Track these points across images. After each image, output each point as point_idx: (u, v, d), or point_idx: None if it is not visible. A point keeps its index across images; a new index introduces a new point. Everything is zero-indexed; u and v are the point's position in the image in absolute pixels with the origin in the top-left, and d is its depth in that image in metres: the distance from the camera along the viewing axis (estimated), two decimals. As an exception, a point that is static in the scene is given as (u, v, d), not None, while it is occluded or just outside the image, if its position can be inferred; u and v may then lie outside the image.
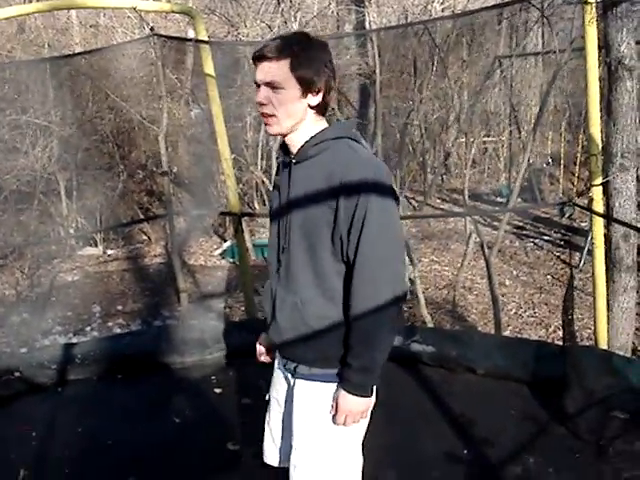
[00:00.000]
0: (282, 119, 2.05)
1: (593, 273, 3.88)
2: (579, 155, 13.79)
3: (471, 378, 2.44)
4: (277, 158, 2.16)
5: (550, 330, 7.21)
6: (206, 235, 11.49)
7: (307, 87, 2.03)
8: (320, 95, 2.06)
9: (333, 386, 2.15)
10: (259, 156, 9.79)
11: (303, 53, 2.01)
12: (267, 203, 10.76)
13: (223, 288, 8.40)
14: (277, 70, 1.99)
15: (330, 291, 2.08)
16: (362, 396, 2.08)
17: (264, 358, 2.54)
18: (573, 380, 3.70)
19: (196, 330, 4.67)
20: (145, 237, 11.84)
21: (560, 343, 6.84)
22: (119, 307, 8.68)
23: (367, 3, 8.13)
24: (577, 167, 13.80)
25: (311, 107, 2.07)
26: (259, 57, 2.04)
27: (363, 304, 2.00)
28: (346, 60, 7.90)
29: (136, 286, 9.53)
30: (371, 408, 2.17)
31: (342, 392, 2.09)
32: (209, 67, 4.45)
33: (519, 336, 7.13)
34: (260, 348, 2.54)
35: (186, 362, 4.47)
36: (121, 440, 3.58)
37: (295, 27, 8.80)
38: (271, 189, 2.43)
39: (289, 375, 2.29)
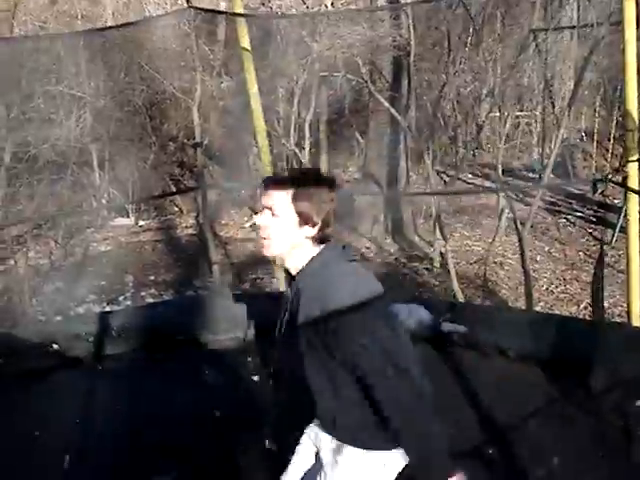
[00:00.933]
0: (275, 243, 2.14)
1: (627, 250, 3.85)
2: (613, 131, 13.61)
3: (501, 359, 2.44)
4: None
5: (581, 307, 7.20)
6: (237, 207, 11.53)
7: (304, 219, 2.11)
8: (317, 228, 2.13)
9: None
10: (291, 129, 9.77)
11: (305, 189, 2.12)
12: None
13: (254, 260, 8.45)
14: (278, 199, 2.10)
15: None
16: None
17: None
18: (599, 356, 3.68)
19: (228, 306, 4.69)
20: (176, 208, 11.93)
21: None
22: (151, 277, 8.81)
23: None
24: (611, 143, 13.63)
25: (307, 237, 2.14)
26: (266, 184, 2.16)
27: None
28: (380, 32, 7.83)
29: (168, 257, 9.64)
30: None
31: None
32: (245, 41, 4.45)
33: (549, 312, 7.12)
34: None
35: (218, 338, 4.50)
36: (154, 420, 3.63)
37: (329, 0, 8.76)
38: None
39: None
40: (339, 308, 2.04)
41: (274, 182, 2.18)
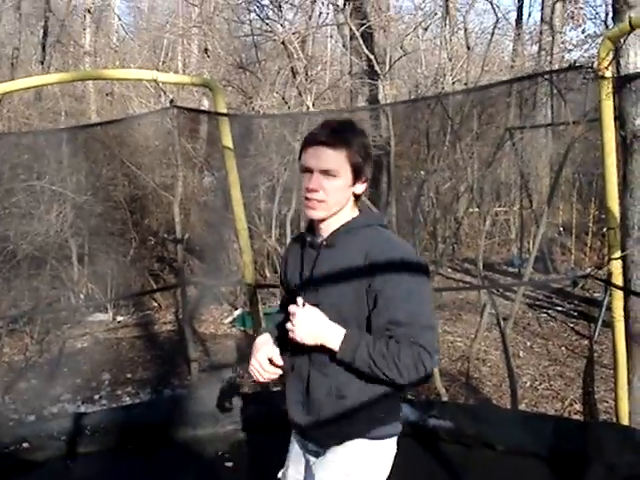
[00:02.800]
0: (331, 205, 2.09)
1: (614, 347, 3.81)
2: (590, 225, 13.79)
3: (489, 454, 2.36)
4: (295, 237, 2.16)
5: (566, 403, 7.08)
6: (216, 303, 11.43)
7: (358, 176, 2.08)
8: (366, 184, 2.13)
9: (371, 445, 2.15)
10: (273, 225, 9.80)
11: (357, 141, 2.07)
12: (279, 272, 10.72)
13: (234, 357, 8.32)
14: (334, 157, 2.03)
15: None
16: (327, 344, 2.05)
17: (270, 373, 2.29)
18: (594, 457, 3.61)
19: (207, 402, 4.59)
20: (155, 304, 11.78)
21: (578, 417, 6.73)
22: (129, 375, 8.59)
23: (382, 77, 8.24)
24: (589, 237, 13.78)
25: (354, 195, 2.13)
26: (315, 142, 2.07)
27: (393, 364, 1.98)
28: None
29: (146, 354, 9.45)
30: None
31: (335, 327, 2.04)
32: (227, 140, 4.49)
33: (535, 410, 7.00)
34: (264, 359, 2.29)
35: (197, 435, 4.38)
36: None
37: (310, 99, 8.92)
38: (284, 268, 2.41)
39: (312, 456, 2.25)
40: (395, 262, 2.02)
41: (325, 140, 2.05)
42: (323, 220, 2.14)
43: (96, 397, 7.84)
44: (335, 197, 2.07)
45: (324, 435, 2.18)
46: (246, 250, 4.79)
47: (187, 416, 4.47)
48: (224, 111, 4.43)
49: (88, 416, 4.67)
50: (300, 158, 2.14)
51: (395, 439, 2.22)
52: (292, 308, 2.07)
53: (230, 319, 10.79)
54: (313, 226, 2.22)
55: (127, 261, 11.02)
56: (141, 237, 11.74)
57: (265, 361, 2.23)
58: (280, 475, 2.45)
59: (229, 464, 4.11)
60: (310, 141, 2.08)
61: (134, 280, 11.45)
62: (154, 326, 10.99)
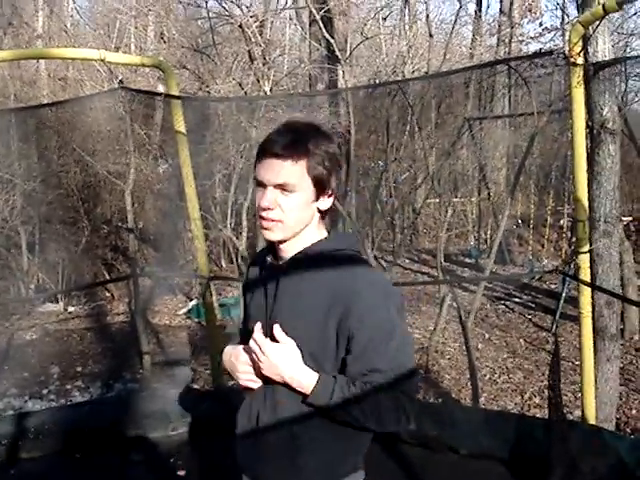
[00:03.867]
0: (289, 225, 1.82)
1: (580, 344, 3.71)
2: (548, 217, 13.88)
3: (452, 458, 2.23)
4: (253, 259, 1.94)
5: (526, 397, 7.03)
6: (171, 294, 11.21)
7: (321, 189, 1.82)
8: (332, 198, 1.86)
9: None
10: (229, 214, 9.60)
11: (320, 149, 1.79)
12: (234, 262, 10.55)
13: (188, 351, 8.11)
14: (291, 170, 1.77)
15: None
16: (297, 387, 1.81)
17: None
18: (558, 457, 3.51)
19: (159, 400, 4.39)
20: (108, 294, 11.54)
21: (537, 411, 6.68)
22: (79, 368, 8.34)
23: (342, 62, 8.08)
24: (546, 229, 13.86)
25: (319, 211, 1.87)
26: (269, 152, 1.79)
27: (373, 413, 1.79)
28: (319, 119, 7.80)
29: (97, 346, 9.19)
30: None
31: (308, 370, 1.81)
32: (180, 124, 4.28)
33: (494, 403, 6.95)
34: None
35: (149, 438, 4.18)
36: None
37: (267, 85, 8.72)
38: (244, 294, 2.14)
39: None
40: (370, 306, 1.75)
41: (280, 151, 1.77)
42: (283, 241, 1.89)
43: (44, 392, 7.57)
44: (294, 216, 1.81)
45: None
46: (200, 240, 4.59)
47: (137, 416, 4.29)
48: (176, 94, 4.22)
49: (32, 416, 4.43)
50: (255, 166, 1.86)
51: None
52: (260, 339, 1.83)
53: (185, 310, 10.59)
54: (273, 246, 1.95)
55: (79, 250, 10.79)
56: (93, 226, 11.47)
57: (250, 369, 1.94)
58: None
59: (182, 473, 3.90)
60: (264, 151, 1.82)
61: (86, 269, 11.22)
62: (106, 317, 10.74)
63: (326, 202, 1.85)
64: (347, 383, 1.77)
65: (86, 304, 11.27)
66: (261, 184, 1.82)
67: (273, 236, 1.84)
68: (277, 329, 1.82)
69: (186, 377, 6.88)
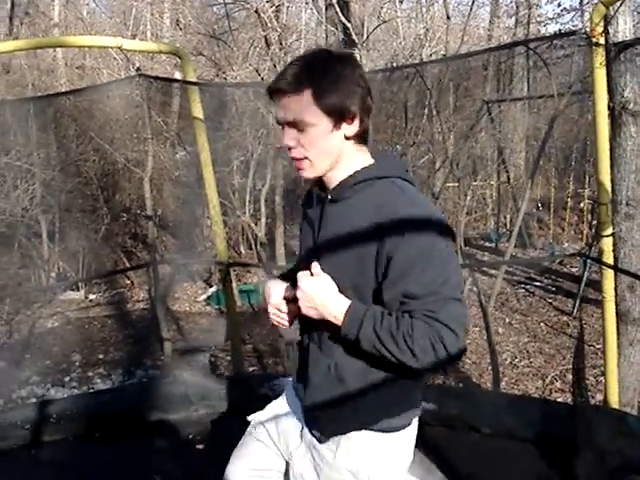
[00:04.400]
0: (316, 161, 1.76)
1: (603, 329, 3.67)
2: (568, 200, 13.77)
3: (474, 437, 2.21)
4: (305, 192, 1.89)
5: (547, 381, 7.00)
6: (191, 280, 11.25)
7: (339, 117, 1.73)
8: (357, 121, 1.75)
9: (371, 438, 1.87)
10: (247, 201, 9.59)
11: (326, 77, 1.70)
12: (253, 248, 10.55)
13: (208, 337, 8.14)
14: (299, 105, 1.70)
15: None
16: (334, 320, 1.75)
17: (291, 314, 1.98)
18: (583, 441, 3.48)
19: (180, 384, 4.41)
20: (128, 281, 11.60)
21: (559, 395, 6.65)
22: (100, 356, 8.40)
23: (359, 46, 8.02)
24: (566, 212, 13.76)
25: (348, 138, 1.77)
26: (275, 91, 1.74)
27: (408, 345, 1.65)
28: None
29: (118, 333, 9.26)
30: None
31: (341, 298, 1.75)
32: (197, 110, 4.27)
33: (515, 388, 6.92)
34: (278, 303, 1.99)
35: (169, 420, 4.19)
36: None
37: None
38: (299, 227, 2.09)
39: (313, 437, 1.96)
40: (411, 223, 1.66)
41: (284, 87, 1.70)
42: (323, 176, 1.83)
43: (66, 379, 7.64)
44: (317, 150, 1.74)
45: (322, 420, 1.90)
46: (218, 226, 4.58)
47: (158, 400, 4.29)
48: (193, 80, 4.20)
49: (54, 403, 4.46)
50: None
51: (411, 429, 1.94)
52: (300, 274, 1.80)
53: (204, 297, 10.63)
54: (319, 180, 1.89)
55: (99, 238, 10.84)
56: (113, 214, 11.53)
57: (281, 303, 1.93)
58: (252, 418, 2.22)
59: (201, 450, 3.92)
60: (272, 91, 1.75)
61: (106, 257, 11.28)
62: (127, 304, 10.81)
63: (351, 128, 1.76)
64: (381, 313, 1.70)
65: (106, 292, 11.34)
66: (279, 123, 1.79)
67: (305, 174, 1.81)
68: (315, 266, 1.79)
69: (206, 363, 6.93)
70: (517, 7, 17.73)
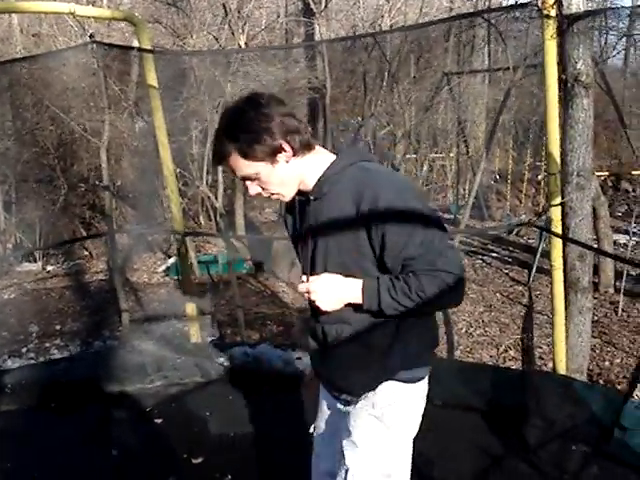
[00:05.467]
0: (282, 190, 1.99)
1: (552, 296, 3.74)
2: (526, 172, 13.91)
3: (428, 408, 2.25)
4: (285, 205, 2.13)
5: (501, 350, 7.13)
6: (150, 251, 11.19)
7: (271, 155, 1.90)
8: (287, 147, 1.91)
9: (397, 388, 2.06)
10: (204, 170, 9.54)
11: (238, 135, 1.88)
12: (213, 218, 10.52)
13: (166, 307, 8.13)
14: (237, 166, 1.92)
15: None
16: (354, 300, 1.95)
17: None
18: (532, 408, 3.56)
19: (135, 355, 4.41)
20: (86, 252, 11.50)
21: (512, 363, 6.78)
22: (57, 327, 8.36)
23: (317, 15, 7.96)
24: (524, 184, 13.91)
25: (297, 154, 1.95)
26: (215, 164, 2.04)
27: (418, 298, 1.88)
28: (295, 74, 7.73)
29: (76, 305, 9.20)
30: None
31: (351, 283, 1.95)
32: (152, 77, 4.22)
33: (470, 356, 7.04)
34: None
35: (126, 391, 4.20)
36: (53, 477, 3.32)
37: (242, 39, 8.60)
38: (285, 228, 2.27)
39: (343, 405, 2.14)
40: (386, 201, 1.86)
41: (217, 160, 1.95)
42: (297, 193, 2.03)
43: (23, 350, 7.60)
44: (277, 183, 1.96)
45: (353, 388, 2.08)
46: (174, 196, 4.56)
47: (115, 371, 4.29)
48: (148, 47, 4.15)
49: (9, 373, 4.44)
50: None
51: (425, 382, 2.13)
52: (301, 287, 2.00)
53: (164, 267, 10.59)
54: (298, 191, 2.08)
55: (56, 209, 10.71)
56: (70, 184, 11.37)
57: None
58: (312, 429, 2.37)
59: (158, 421, 3.94)
60: (214, 164, 2.16)
61: (64, 228, 11.16)
62: (85, 276, 10.73)
63: (287, 154, 1.92)
64: (390, 280, 1.90)
65: (64, 263, 11.23)
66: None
67: (286, 199, 2.04)
68: (308, 279, 2.00)
69: (164, 333, 6.92)
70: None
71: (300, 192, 2.04)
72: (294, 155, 1.93)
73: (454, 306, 2.00)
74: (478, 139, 13.99)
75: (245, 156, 1.88)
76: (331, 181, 1.96)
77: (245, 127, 1.88)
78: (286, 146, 1.90)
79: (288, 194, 2.00)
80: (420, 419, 2.15)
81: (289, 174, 1.95)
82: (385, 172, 2.04)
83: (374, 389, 2.05)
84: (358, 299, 1.94)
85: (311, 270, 2.04)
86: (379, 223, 1.87)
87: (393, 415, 2.08)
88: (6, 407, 4.03)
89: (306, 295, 1.99)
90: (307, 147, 1.97)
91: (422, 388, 2.12)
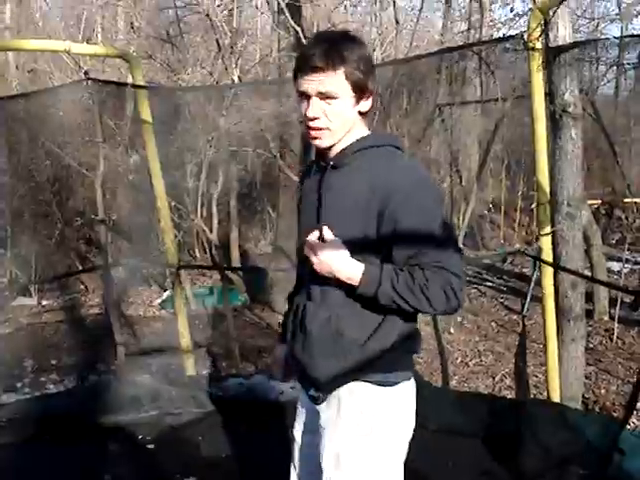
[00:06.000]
0: (336, 131, 1.94)
1: (544, 324, 3.78)
2: (519, 201, 14.00)
3: (423, 434, 2.26)
4: (307, 164, 2.04)
5: (497, 379, 7.13)
6: (145, 284, 11.19)
7: (361, 93, 1.92)
8: (371, 99, 1.96)
9: (375, 392, 2.01)
10: (199, 203, 9.58)
11: (355, 55, 1.89)
12: (208, 251, 10.55)
13: (161, 340, 8.12)
14: (331, 79, 1.87)
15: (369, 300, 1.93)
16: (350, 282, 1.91)
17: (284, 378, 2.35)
18: (527, 436, 3.58)
19: (130, 388, 4.42)
20: (82, 286, 11.49)
21: (508, 392, 6.77)
22: (53, 361, 8.32)
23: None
24: (517, 213, 13.98)
25: (361, 113, 1.97)
26: (307, 67, 1.89)
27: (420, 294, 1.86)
28: (288, 107, 7.80)
29: (71, 339, 9.17)
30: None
31: (354, 262, 1.91)
32: (145, 113, 4.30)
33: (466, 386, 7.03)
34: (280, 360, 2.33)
35: (120, 422, 4.20)
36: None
37: (236, 74, 8.70)
38: (297, 196, 2.28)
39: (314, 402, 2.09)
40: (406, 187, 1.85)
41: (317, 63, 1.86)
42: (331, 146, 1.99)
43: (19, 385, 7.56)
44: (339, 121, 1.92)
45: (321, 374, 2.01)
46: (167, 229, 4.61)
47: (109, 403, 4.30)
48: (141, 83, 4.22)
49: (4, 407, 4.44)
50: (295, 80, 1.96)
51: (410, 386, 2.10)
52: (311, 240, 1.96)
53: (159, 301, 10.59)
54: (321, 152, 2.05)
55: (52, 243, 10.72)
56: (66, 218, 11.40)
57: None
58: (293, 433, 2.33)
59: (151, 447, 3.95)
60: (302, 65, 1.90)
61: (60, 263, 11.16)
62: (80, 310, 10.71)
63: (366, 104, 1.96)
64: (394, 270, 1.87)
65: (60, 297, 11.20)
66: (304, 95, 1.92)
67: (323, 143, 1.96)
68: (325, 230, 1.93)
69: (159, 366, 6.91)
70: (470, 11, 17.92)
71: (322, 156, 2.04)
72: (365, 112, 1.97)
73: (449, 313, 1.94)
74: (471, 170, 14.06)
75: (351, 77, 1.87)
76: (355, 154, 1.95)
77: (360, 55, 1.90)
78: (371, 99, 1.95)
79: (334, 139, 1.95)
80: (408, 432, 2.09)
81: (352, 122, 1.95)
82: (411, 164, 2.02)
83: (341, 386, 1.99)
84: (354, 280, 1.89)
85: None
86: (392, 212, 1.85)
87: (370, 421, 2.01)
88: (1, 440, 4.03)
89: (308, 251, 1.95)
90: (367, 113, 1.99)
91: (402, 393, 2.06)
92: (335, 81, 1.87)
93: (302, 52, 1.95)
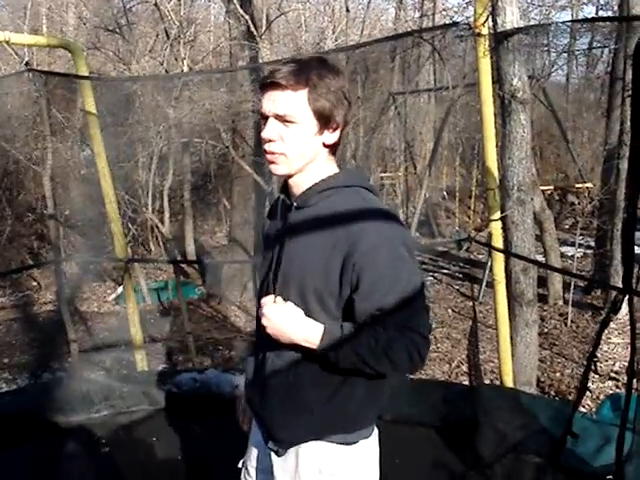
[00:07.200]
0: (293, 159, 1.76)
1: (495, 310, 3.78)
2: (473, 189, 14.11)
3: (379, 424, 2.25)
4: (271, 201, 1.89)
5: (453, 365, 7.17)
6: (100, 280, 11.04)
7: (325, 123, 1.75)
8: (337, 132, 1.78)
9: (331, 450, 1.87)
10: (150, 197, 9.45)
11: (322, 82, 1.72)
12: (161, 245, 10.45)
13: (115, 336, 8.01)
14: (292, 101, 1.71)
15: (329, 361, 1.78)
16: (304, 341, 1.74)
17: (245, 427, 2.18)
18: (483, 421, 3.59)
19: (83, 385, 4.33)
20: (35, 283, 11.30)
21: (465, 379, 6.82)
22: (5, 360, 8.17)
23: (259, 39, 7.98)
24: (472, 200, 14.09)
25: (325, 146, 1.79)
26: (269, 84, 1.73)
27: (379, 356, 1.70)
28: (239, 97, 7.72)
29: (24, 336, 9.01)
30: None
31: (311, 323, 1.75)
32: (90, 104, 4.19)
33: (422, 372, 7.06)
34: (241, 412, 2.19)
35: (70, 421, 4.12)
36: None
37: (186, 64, 8.59)
38: (261, 233, 2.10)
39: (273, 452, 1.95)
40: (376, 241, 1.67)
41: (280, 81, 1.69)
42: (291, 176, 1.82)
43: (-31, 385, 7.42)
44: (296, 149, 1.75)
45: (278, 429, 1.89)
46: (115, 223, 4.51)
47: (60, 402, 4.20)
48: (84, 73, 4.12)
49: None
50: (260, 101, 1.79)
51: (372, 440, 1.94)
52: (264, 300, 1.81)
53: (114, 296, 10.45)
54: (286, 185, 1.89)
55: (3, 239, 10.53)
56: (17, 214, 11.20)
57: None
58: (240, 464, 2.19)
59: (105, 449, 3.87)
60: (264, 82, 1.74)
61: (12, 259, 10.97)
62: (33, 307, 10.53)
63: (331, 136, 1.78)
64: (356, 330, 1.71)
65: (12, 295, 11.02)
66: (263, 116, 1.77)
67: (278, 170, 1.80)
68: (275, 300, 1.79)
69: (112, 363, 6.83)
70: (422, 0, 18.03)
71: (287, 192, 1.89)
72: (331, 145, 1.80)
73: (414, 372, 1.81)
74: (426, 158, 14.15)
75: (311, 101, 1.71)
76: (321, 194, 1.79)
77: (329, 83, 1.72)
78: (338, 132, 1.78)
79: (290, 167, 1.78)
80: None
81: (313, 153, 1.78)
82: (381, 210, 1.81)
83: (299, 444, 1.87)
84: (312, 344, 1.73)
85: (273, 283, 1.83)
86: (357, 261, 1.67)
87: None
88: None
89: (261, 314, 1.79)
90: (335, 151, 1.84)
91: (364, 450, 1.92)
92: (293, 103, 1.71)
93: (268, 71, 1.80)
